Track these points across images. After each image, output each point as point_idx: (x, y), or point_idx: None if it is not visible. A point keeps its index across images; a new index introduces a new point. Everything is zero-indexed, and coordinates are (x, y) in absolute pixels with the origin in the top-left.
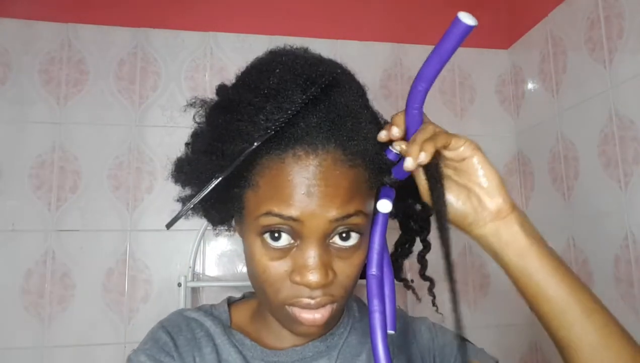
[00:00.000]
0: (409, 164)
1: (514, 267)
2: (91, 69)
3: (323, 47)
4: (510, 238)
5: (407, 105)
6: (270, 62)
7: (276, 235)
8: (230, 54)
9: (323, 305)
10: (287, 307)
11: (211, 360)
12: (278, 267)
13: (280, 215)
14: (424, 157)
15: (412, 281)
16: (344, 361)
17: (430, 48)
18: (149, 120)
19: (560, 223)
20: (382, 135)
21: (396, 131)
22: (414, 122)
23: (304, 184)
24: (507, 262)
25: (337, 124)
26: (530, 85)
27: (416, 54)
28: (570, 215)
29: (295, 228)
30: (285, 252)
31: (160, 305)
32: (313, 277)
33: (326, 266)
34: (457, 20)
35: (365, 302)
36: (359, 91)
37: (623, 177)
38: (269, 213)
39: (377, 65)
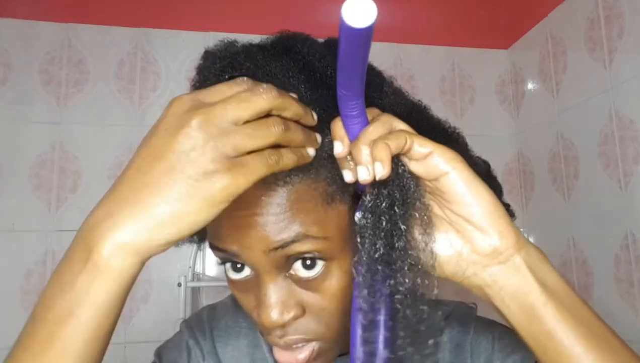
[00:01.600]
0: (360, 178)
1: (525, 332)
2: (91, 69)
3: None
4: (513, 290)
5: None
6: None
7: (238, 266)
8: None
9: (294, 346)
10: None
11: (245, 353)
12: (247, 301)
13: (222, 250)
14: (380, 169)
15: None
16: None
17: (430, 48)
18: (149, 120)
19: (560, 223)
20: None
21: (340, 148)
22: (353, 130)
23: (231, 215)
24: (515, 325)
25: None
26: (530, 85)
27: (416, 54)
28: (570, 215)
29: (246, 262)
30: (250, 284)
31: (160, 305)
32: (265, 316)
33: (283, 303)
34: (341, 20)
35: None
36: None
37: (623, 177)
38: (213, 247)
39: (377, 65)
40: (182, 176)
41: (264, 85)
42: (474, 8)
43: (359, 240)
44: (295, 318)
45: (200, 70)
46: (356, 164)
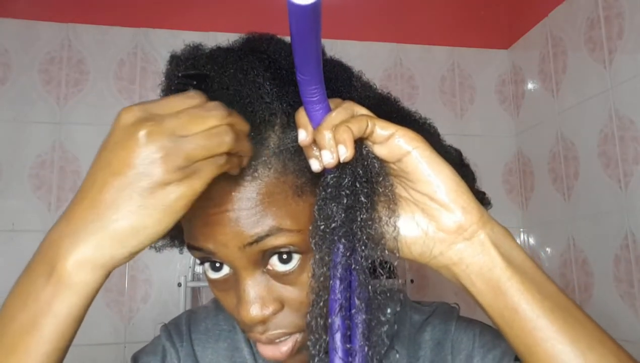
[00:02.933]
0: (325, 161)
1: (492, 309)
2: (91, 69)
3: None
4: (479, 267)
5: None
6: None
7: (217, 265)
8: None
9: (276, 340)
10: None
11: (224, 356)
12: (227, 300)
13: (199, 249)
14: (343, 151)
15: (412, 281)
16: None
17: (430, 48)
18: None
19: (560, 223)
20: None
21: (303, 135)
22: (316, 117)
23: (203, 213)
24: (481, 302)
25: None
26: (530, 85)
27: (416, 54)
28: (570, 215)
29: (223, 260)
30: (229, 283)
31: (160, 305)
32: (245, 313)
33: (262, 298)
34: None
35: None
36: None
37: (623, 177)
38: (190, 247)
39: (377, 65)
40: (138, 189)
41: (214, 103)
42: (474, 8)
43: (316, 211)
44: (275, 313)
45: (166, 74)
46: (320, 149)
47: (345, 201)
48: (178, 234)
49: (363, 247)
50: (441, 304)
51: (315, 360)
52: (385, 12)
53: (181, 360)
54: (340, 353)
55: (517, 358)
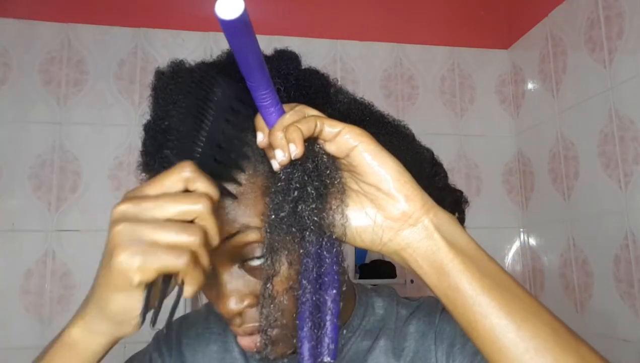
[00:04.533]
0: (278, 159)
1: (438, 289)
2: (91, 69)
3: (323, 47)
4: (424, 250)
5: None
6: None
7: None
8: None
9: (252, 332)
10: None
11: (215, 359)
12: (211, 294)
13: None
14: (294, 148)
15: (412, 281)
16: None
17: (430, 48)
18: None
19: (560, 223)
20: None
21: (260, 137)
22: (271, 120)
23: None
24: (429, 284)
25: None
26: (530, 85)
27: (416, 54)
28: (570, 215)
29: None
30: (211, 278)
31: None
32: (222, 305)
33: (238, 292)
34: (216, 16)
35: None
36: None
37: (623, 177)
38: None
39: (377, 65)
40: (130, 287)
41: (200, 191)
42: (474, 8)
43: (268, 202)
44: (251, 306)
45: (152, 89)
46: (274, 149)
47: (295, 194)
48: None
49: (310, 234)
50: (427, 298)
51: (265, 341)
52: (385, 12)
53: None
54: (306, 337)
55: None
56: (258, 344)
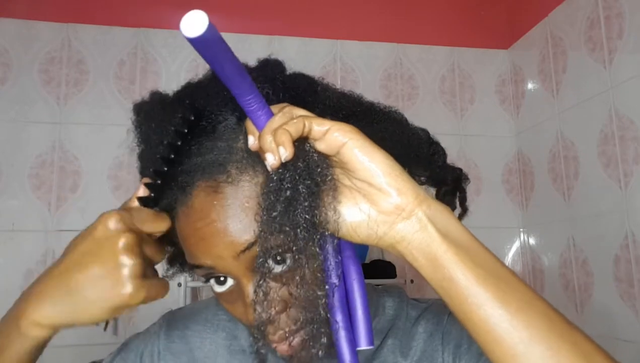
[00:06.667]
0: (269, 163)
1: (433, 281)
2: (91, 69)
3: (323, 47)
4: (419, 242)
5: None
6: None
7: (221, 279)
8: None
9: (289, 337)
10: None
11: (222, 345)
12: (237, 310)
13: (199, 266)
14: (283, 151)
15: (412, 281)
16: None
17: (430, 48)
18: None
19: (560, 223)
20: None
21: (251, 140)
22: (261, 123)
23: (192, 228)
24: (425, 276)
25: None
26: (530, 85)
27: (416, 54)
28: (570, 215)
29: (222, 272)
30: (235, 294)
31: (160, 305)
32: (252, 316)
33: (266, 300)
34: (183, 35)
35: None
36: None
37: (623, 177)
38: (191, 267)
39: (377, 65)
40: (111, 284)
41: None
42: (474, 8)
43: (261, 202)
44: (280, 312)
45: (134, 124)
46: (264, 153)
47: (287, 193)
48: (184, 261)
49: (303, 231)
50: (437, 300)
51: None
52: (385, 12)
53: (160, 354)
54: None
55: None
56: (294, 344)
